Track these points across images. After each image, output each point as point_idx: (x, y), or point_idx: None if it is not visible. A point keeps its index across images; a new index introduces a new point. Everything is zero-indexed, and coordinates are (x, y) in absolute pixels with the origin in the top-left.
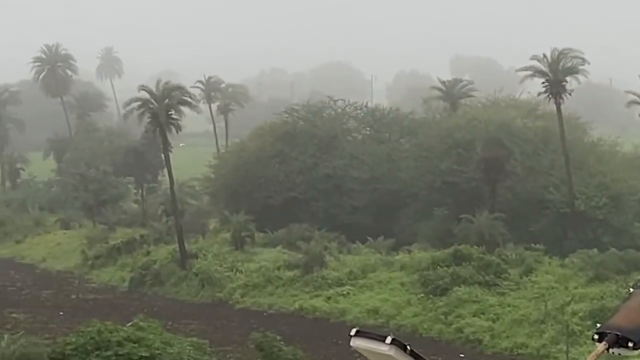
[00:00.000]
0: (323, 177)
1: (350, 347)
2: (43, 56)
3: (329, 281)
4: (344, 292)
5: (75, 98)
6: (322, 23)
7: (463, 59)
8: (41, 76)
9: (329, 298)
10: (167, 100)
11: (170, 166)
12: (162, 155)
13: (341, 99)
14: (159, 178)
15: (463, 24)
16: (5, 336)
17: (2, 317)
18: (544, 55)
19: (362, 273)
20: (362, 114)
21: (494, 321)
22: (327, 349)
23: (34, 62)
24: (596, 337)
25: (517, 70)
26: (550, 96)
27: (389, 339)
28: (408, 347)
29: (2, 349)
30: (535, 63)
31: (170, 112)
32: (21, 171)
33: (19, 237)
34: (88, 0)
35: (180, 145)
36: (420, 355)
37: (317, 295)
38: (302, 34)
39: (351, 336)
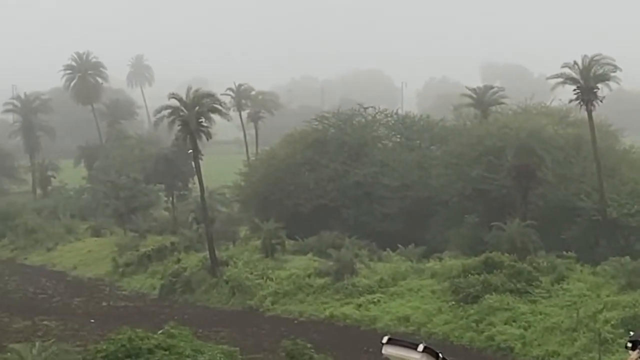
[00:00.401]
0: (353, 185)
1: (382, 354)
2: (74, 64)
3: (360, 289)
4: (375, 300)
5: (105, 106)
6: (351, 30)
7: (493, 66)
8: (72, 84)
9: (359, 305)
10: (197, 108)
11: (200, 174)
12: (193, 163)
13: (371, 106)
14: (190, 185)
15: (494, 31)
16: (37, 343)
17: (33, 324)
18: (575, 63)
19: (392, 280)
20: (393, 121)
21: (525, 329)
22: (358, 357)
23: (65, 70)
24: (629, 345)
25: (548, 78)
26: (581, 103)
27: (420, 347)
28: (440, 354)
29: (34, 356)
30: (566, 70)
31: (200, 120)
32: (52, 179)
33: (50, 245)
34: (116, 10)
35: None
36: None
37: (347, 303)
38: (332, 41)
39: (383, 344)
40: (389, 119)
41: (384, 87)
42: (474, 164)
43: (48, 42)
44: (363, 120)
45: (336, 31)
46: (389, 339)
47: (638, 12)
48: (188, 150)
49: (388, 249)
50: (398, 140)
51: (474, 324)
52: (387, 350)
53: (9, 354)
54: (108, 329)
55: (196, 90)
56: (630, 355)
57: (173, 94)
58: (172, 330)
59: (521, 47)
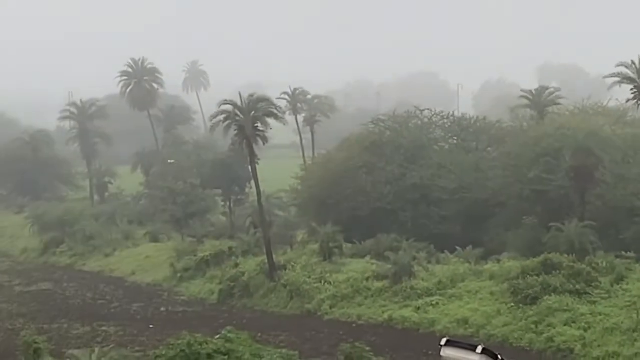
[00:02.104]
0: (410, 187)
1: (441, 357)
2: (130, 70)
3: (418, 291)
4: (434, 302)
5: (162, 111)
6: (406, 33)
7: (550, 67)
8: (128, 90)
9: (418, 308)
10: (253, 113)
11: (257, 178)
12: (249, 168)
13: (427, 109)
14: (247, 190)
15: (549, 32)
16: (96, 349)
17: (92, 330)
18: (632, 62)
19: (451, 283)
20: (449, 124)
21: (585, 330)
22: None
23: (121, 76)
24: None
25: (604, 77)
26: (639, 103)
27: (479, 349)
28: (499, 356)
29: None
30: (623, 70)
31: (256, 124)
32: (109, 185)
33: (108, 251)
34: (166, 18)
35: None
36: None
37: (406, 306)
38: (387, 45)
39: (441, 346)
40: (445, 121)
41: (439, 89)
42: (531, 166)
43: (101, 47)
44: (419, 122)
45: (390, 34)
46: (448, 341)
47: None
48: (244, 155)
49: (446, 252)
50: (455, 142)
51: (533, 326)
52: (446, 352)
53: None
54: (167, 334)
55: (251, 95)
56: None
57: (226, 100)
58: (231, 335)
59: (577, 47)
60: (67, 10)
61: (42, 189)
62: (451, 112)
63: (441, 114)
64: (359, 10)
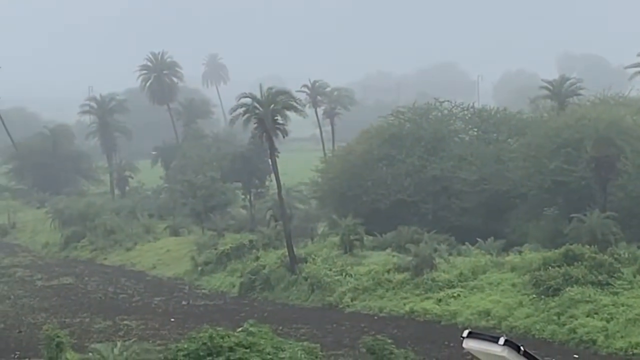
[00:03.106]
0: (431, 179)
1: (463, 349)
2: (149, 64)
3: (440, 283)
4: (455, 294)
5: (181, 105)
6: (425, 24)
7: (570, 57)
8: (147, 84)
9: (439, 300)
10: (272, 106)
11: (277, 171)
12: (269, 161)
13: (447, 100)
14: (267, 183)
15: (569, 21)
16: (118, 343)
17: (114, 324)
18: None
19: (472, 275)
20: (469, 115)
21: (607, 321)
22: (439, 352)
23: (140, 70)
24: None
25: (626, 68)
26: None
27: (502, 340)
28: (522, 348)
29: (115, 355)
30: None
31: (276, 117)
32: (130, 179)
33: (129, 245)
34: (182, 10)
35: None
36: (534, 355)
37: (427, 298)
38: (407, 36)
39: (463, 338)
40: (465, 112)
41: (459, 80)
42: (552, 156)
43: (120, 42)
44: (439, 114)
45: (409, 25)
46: (470, 333)
47: None
48: (264, 148)
49: (467, 243)
50: (475, 133)
51: (555, 317)
52: (468, 344)
53: (90, 353)
54: (188, 328)
55: (271, 88)
56: None
57: (245, 93)
58: (252, 328)
59: (598, 37)
60: (81, 9)
61: (62, 184)
62: (471, 104)
63: (461, 106)
64: (378, 2)
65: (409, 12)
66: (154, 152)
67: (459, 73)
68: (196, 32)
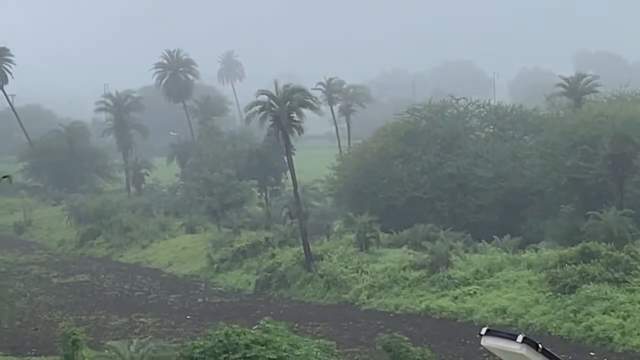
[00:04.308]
0: (447, 177)
1: (480, 346)
2: (165, 62)
3: (456, 281)
4: (471, 292)
5: (197, 103)
6: (441, 22)
7: (586, 54)
8: (163, 82)
9: (455, 298)
10: (288, 103)
11: (293, 168)
12: (285, 158)
13: (463, 98)
14: (283, 181)
15: (585, 17)
16: (134, 340)
17: (130, 321)
18: None
19: (488, 272)
20: (485, 112)
21: (624, 319)
22: (455, 349)
23: (156, 67)
24: None
25: None
26: None
27: (520, 338)
28: (540, 345)
29: (131, 353)
30: None
31: (291, 115)
32: (145, 176)
33: (145, 242)
34: (203, 8)
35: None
36: (553, 353)
37: (443, 295)
38: (422, 33)
39: (481, 335)
40: (481, 109)
41: (475, 78)
42: (568, 154)
43: (136, 39)
44: (455, 111)
45: (424, 22)
46: (488, 330)
47: None
48: (280, 145)
49: (483, 241)
50: (491, 131)
51: (571, 315)
52: (486, 341)
53: (106, 351)
54: (204, 325)
55: (286, 86)
56: None
57: (262, 90)
58: (268, 325)
59: (614, 35)
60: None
61: (78, 181)
62: (487, 101)
63: (477, 103)
64: (394, 0)
65: (425, 10)
66: (174, 133)
67: (475, 70)
68: (212, 30)
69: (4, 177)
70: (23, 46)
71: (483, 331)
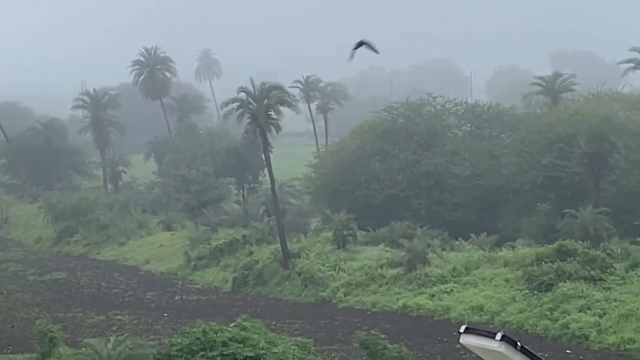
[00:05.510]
0: (424, 174)
1: (458, 344)
2: (142, 59)
3: (433, 278)
4: (448, 290)
5: (174, 100)
6: (417, 20)
7: (563, 53)
8: (140, 79)
9: (432, 295)
10: (266, 101)
11: (270, 166)
12: (263, 156)
13: (440, 96)
14: (260, 178)
15: (561, 17)
16: (112, 338)
17: (107, 319)
18: None
19: (465, 270)
20: (462, 110)
21: (600, 316)
22: (432, 347)
23: (133, 65)
24: None
25: (619, 63)
26: None
27: (499, 336)
28: (518, 343)
29: (109, 350)
30: (637, 55)
31: (269, 112)
32: (123, 174)
33: (122, 240)
34: (186, 5)
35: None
36: (531, 351)
37: (420, 293)
38: (399, 31)
39: (460, 333)
40: (459, 107)
41: (452, 76)
42: (545, 152)
43: (113, 37)
44: (432, 109)
45: (402, 21)
46: (466, 328)
47: None
48: (258, 143)
49: (460, 239)
50: (468, 129)
51: (548, 312)
52: (465, 339)
53: (84, 348)
54: (182, 323)
55: (263, 84)
56: None
57: (242, 87)
58: (246, 323)
59: (591, 33)
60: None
61: (55, 178)
62: (464, 99)
63: (454, 101)
64: None
65: (402, 7)
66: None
67: (452, 69)
68: (189, 27)
69: None
70: (3, 44)
71: (462, 329)
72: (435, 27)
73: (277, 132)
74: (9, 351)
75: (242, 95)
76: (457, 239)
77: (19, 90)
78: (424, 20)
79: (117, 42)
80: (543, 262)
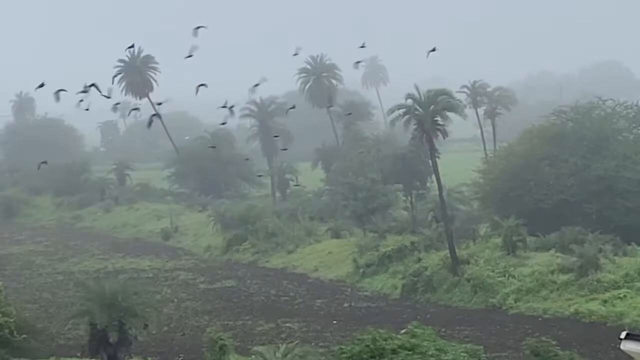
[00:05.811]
0: (594, 179)
1: (620, 349)
2: (308, 67)
3: (605, 284)
4: (621, 295)
5: (341, 107)
6: (588, 22)
7: None
8: (307, 87)
9: (605, 301)
10: (432, 107)
11: (438, 172)
12: (430, 162)
13: (610, 99)
14: (428, 184)
15: None
16: (281, 345)
17: (276, 326)
18: None
19: (639, 275)
20: (633, 114)
21: None
22: (605, 354)
23: (300, 73)
24: None
25: None
26: None
27: None
28: None
29: (278, 358)
30: None
31: (436, 118)
32: (290, 182)
33: (291, 247)
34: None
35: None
36: None
37: (592, 299)
38: (569, 34)
39: (621, 339)
40: (629, 111)
41: (623, 78)
42: None
43: (279, 45)
44: (602, 113)
45: (571, 24)
46: (628, 334)
47: None
48: (425, 149)
49: (633, 243)
50: (639, 132)
51: None
52: (626, 345)
53: (253, 356)
54: (350, 330)
55: (430, 90)
56: None
57: (409, 94)
58: (415, 330)
59: None
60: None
61: (224, 187)
62: (635, 102)
63: (625, 104)
64: (540, 2)
65: (571, 11)
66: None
67: (623, 71)
68: (352, 34)
69: None
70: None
71: (623, 335)
72: (605, 30)
73: (444, 137)
74: (180, 359)
75: (409, 101)
76: (629, 244)
77: (185, 98)
78: (594, 23)
79: (283, 50)
80: None
